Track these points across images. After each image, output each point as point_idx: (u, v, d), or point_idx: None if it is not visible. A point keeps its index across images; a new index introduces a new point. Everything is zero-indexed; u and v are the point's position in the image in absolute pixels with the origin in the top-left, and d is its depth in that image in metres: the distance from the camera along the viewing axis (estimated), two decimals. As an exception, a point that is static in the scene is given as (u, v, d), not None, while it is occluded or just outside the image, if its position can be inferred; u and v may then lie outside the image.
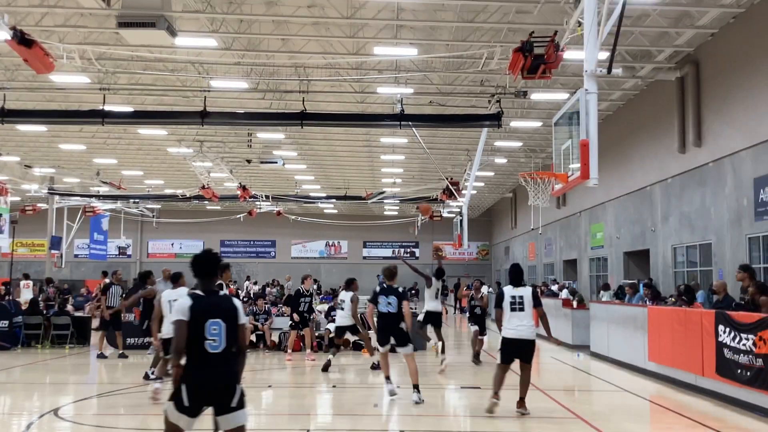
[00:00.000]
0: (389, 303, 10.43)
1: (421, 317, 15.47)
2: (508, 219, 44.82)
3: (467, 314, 15.32)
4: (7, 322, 17.04)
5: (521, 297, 9.37)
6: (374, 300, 10.70)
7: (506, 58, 15.48)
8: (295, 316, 15.33)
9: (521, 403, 9.25)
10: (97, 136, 28.02)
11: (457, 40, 18.07)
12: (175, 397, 5.04)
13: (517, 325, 9.23)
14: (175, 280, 10.98)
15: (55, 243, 34.26)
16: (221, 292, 5.48)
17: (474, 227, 43.41)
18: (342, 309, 14.33)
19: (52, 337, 17.68)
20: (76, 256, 47.32)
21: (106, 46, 18.36)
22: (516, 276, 9.65)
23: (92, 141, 28.99)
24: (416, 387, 10.08)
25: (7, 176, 30.67)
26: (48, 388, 12.49)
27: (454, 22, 17.12)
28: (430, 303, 14.80)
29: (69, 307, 21.68)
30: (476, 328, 15.16)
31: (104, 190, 34.99)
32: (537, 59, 12.41)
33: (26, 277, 26.25)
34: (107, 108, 19.29)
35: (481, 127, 20.81)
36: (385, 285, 10.67)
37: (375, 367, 13.77)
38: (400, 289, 10.44)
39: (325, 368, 13.49)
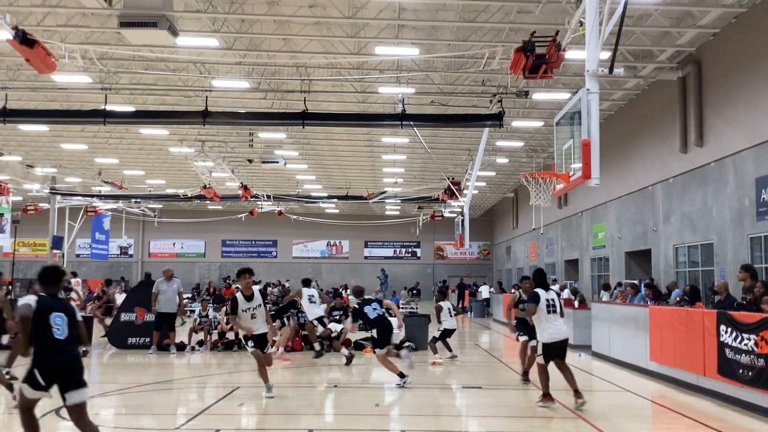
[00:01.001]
0: (375, 308, 11.78)
1: (437, 333, 16.27)
2: (510, 219, 44.81)
3: (514, 322, 12.40)
4: (8, 321, 17.02)
5: (553, 300, 9.99)
6: (357, 317, 11.97)
7: (508, 58, 15.48)
8: (277, 323, 16.02)
9: (578, 394, 9.71)
10: (98, 135, 28.05)
11: (458, 39, 18.07)
12: (30, 380, 6.20)
13: (556, 326, 9.88)
14: None
15: (57, 243, 34.28)
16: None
17: (475, 227, 43.43)
18: (314, 302, 15.60)
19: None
20: (77, 255, 47.35)
21: (107, 46, 18.38)
22: (544, 280, 10.32)
23: (94, 141, 29.03)
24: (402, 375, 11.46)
25: (8, 176, 30.68)
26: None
27: (455, 21, 17.12)
28: (448, 321, 15.93)
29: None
30: (526, 338, 12.43)
31: (106, 189, 35.01)
32: (538, 59, 12.41)
33: (74, 275, 26.06)
34: (109, 108, 19.31)
35: (483, 126, 20.81)
36: (359, 301, 12.17)
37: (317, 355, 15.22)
38: (374, 296, 12.22)
39: (348, 362, 14.38)
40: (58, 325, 6.20)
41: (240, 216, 41.99)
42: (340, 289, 27.12)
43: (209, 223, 47.45)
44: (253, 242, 53.29)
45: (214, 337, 17.55)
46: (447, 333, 15.87)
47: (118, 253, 48.40)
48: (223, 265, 52.08)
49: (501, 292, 33.16)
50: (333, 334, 17.06)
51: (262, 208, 38.29)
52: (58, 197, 34.61)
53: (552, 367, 9.96)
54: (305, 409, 10.14)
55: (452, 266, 53.23)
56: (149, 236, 52.38)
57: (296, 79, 20.29)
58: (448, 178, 29.12)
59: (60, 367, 6.18)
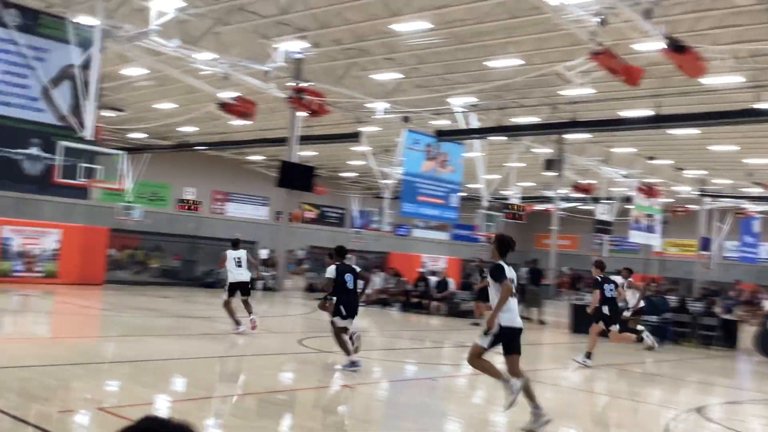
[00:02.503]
0: None
1: None
2: None
3: None
4: (656, 317, 17.97)
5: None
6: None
7: None
8: None
9: None
10: (749, 135, 27.09)
11: None
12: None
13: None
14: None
15: (705, 244, 34.51)
16: None
17: None
18: None
19: (698, 336, 17.89)
20: (725, 258, 46.60)
21: (758, 43, 17.61)
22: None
23: (744, 141, 28.16)
24: None
25: (659, 179, 32.29)
26: (693, 386, 12.72)
27: None
28: None
29: (716, 309, 21.55)
30: None
31: (757, 191, 33.60)
32: None
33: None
34: (761, 106, 18.49)
35: None
36: None
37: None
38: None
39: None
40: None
41: None
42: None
43: None
44: None
45: None
46: None
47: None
48: None
49: None
50: None
51: None
52: (707, 199, 34.77)
53: None
54: None
55: None
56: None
57: None
58: None
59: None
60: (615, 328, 12.17)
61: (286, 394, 8.77)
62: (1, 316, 15.88)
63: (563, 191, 33.89)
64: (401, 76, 24.60)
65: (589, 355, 12.16)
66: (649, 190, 30.61)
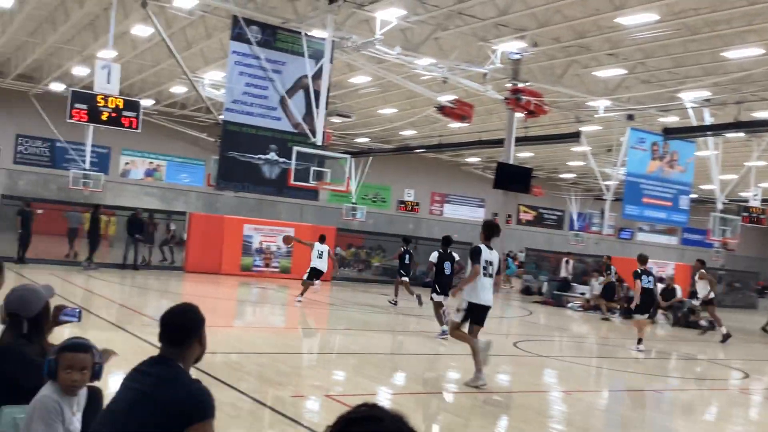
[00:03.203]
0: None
1: None
2: None
3: None
4: None
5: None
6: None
7: None
8: None
9: None
10: None
11: None
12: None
13: None
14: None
15: None
16: None
17: None
18: None
19: None
20: None
21: None
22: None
23: None
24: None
25: None
26: None
27: None
28: None
29: None
30: None
31: None
32: None
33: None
34: None
35: None
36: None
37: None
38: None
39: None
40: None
41: None
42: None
43: None
44: None
45: None
46: None
47: None
48: None
49: None
50: None
51: None
52: None
53: None
54: None
55: None
56: None
57: None
58: None
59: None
60: (642, 317, 13.64)
61: (502, 396, 8.78)
62: (242, 307, 17.54)
63: (814, 193, 30.33)
64: (625, 71, 23.50)
65: (639, 341, 13.34)
66: None
